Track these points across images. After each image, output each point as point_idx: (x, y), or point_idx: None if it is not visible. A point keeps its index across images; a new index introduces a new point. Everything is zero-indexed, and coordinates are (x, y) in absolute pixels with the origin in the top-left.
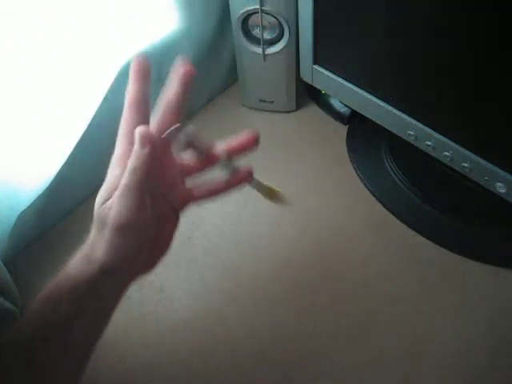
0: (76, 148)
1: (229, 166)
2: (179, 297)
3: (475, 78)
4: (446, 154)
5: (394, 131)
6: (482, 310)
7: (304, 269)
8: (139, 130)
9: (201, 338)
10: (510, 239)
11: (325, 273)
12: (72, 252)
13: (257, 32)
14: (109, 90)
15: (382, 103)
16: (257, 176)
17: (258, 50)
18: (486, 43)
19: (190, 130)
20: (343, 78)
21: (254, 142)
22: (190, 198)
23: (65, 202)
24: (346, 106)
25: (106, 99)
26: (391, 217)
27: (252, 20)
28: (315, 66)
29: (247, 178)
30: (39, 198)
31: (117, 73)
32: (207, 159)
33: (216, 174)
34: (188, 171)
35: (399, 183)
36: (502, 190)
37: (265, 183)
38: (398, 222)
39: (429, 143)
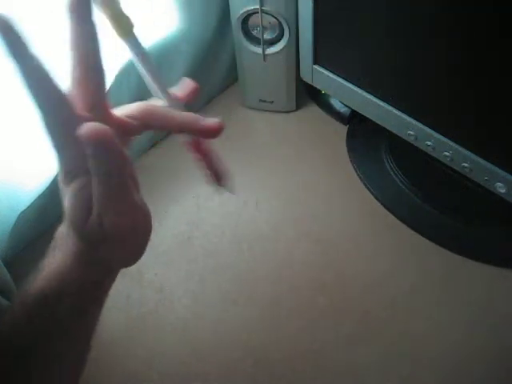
0: None
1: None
2: (179, 297)
3: (475, 78)
4: (446, 154)
5: (394, 131)
6: (482, 310)
7: (304, 269)
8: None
9: (201, 337)
10: (510, 239)
11: (325, 273)
12: None
13: (257, 32)
14: (109, 90)
15: (382, 103)
16: (257, 177)
17: (258, 50)
18: (486, 43)
19: None
20: (343, 78)
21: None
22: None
23: None
24: (346, 105)
25: None
26: (391, 217)
27: (252, 20)
28: (315, 66)
29: None
30: (39, 198)
31: (117, 73)
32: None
33: None
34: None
35: (399, 183)
36: (502, 190)
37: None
38: (397, 221)
39: (429, 143)
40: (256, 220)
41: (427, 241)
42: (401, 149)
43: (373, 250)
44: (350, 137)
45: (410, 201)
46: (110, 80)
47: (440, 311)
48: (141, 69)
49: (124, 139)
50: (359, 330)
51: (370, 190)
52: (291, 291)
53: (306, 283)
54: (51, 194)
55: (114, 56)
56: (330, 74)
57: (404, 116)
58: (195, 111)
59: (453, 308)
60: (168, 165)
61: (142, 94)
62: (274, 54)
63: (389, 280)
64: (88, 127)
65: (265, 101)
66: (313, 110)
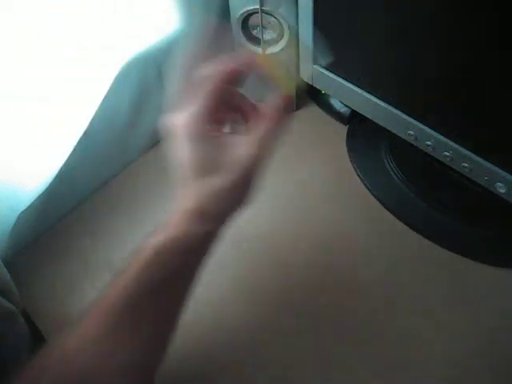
0: (76, 148)
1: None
2: None
3: (475, 77)
4: (446, 154)
5: (394, 131)
6: (482, 310)
7: (304, 269)
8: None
9: (200, 338)
10: (510, 239)
11: (324, 273)
12: (72, 252)
13: (257, 32)
14: (109, 90)
15: (382, 103)
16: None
17: (258, 50)
18: (486, 43)
19: None
20: (343, 78)
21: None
22: None
23: (65, 202)
24: (346, 105)
25: (106, 99)
26: (391, 217)
27: (252, 20)
28: (315, 66)
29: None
30: (39, 197)
31: (117, 73)
32: None
33: None
34: None
35: (399, 183)
36: (502, 190)
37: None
38: (397, 221)
39: (429, 143)
40: (256, 220)
41: (427, 240)
42: (401, 149)
43: (373, 250)
44: (350, 137)
45: (410, 201)
46: (109, 80)
47: (440, 311)
48: None
49: None
50: (359, 329)
51: (369, 190)
52: (291, 291)
53: (305, 283)
54: (51, 194)
55: (114, 56)
56: (330, 74)
57: (404, 116)
58: None
59: (453, 308)
60: (168, 165)
61: (143, 94)
62: (273, 54)
63: (388, 280)
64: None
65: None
66: (313, 110)
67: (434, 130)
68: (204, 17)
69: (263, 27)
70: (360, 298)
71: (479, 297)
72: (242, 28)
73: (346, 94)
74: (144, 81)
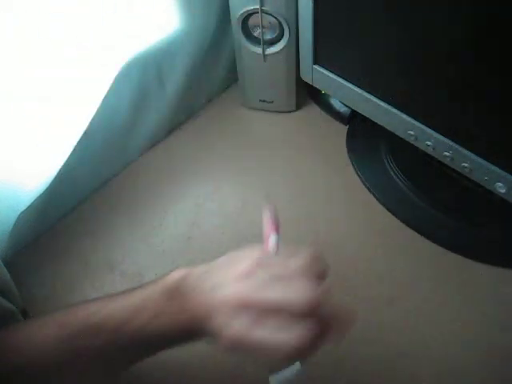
0: (76, 148)
1: None
2: None
3: (475, 77)
4: (446, 154)
5: (394, 131)
6: (482, 310)
7: None
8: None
9: None
10: (510, 239)
11: None
12: (72, 252)
13: (257, 32)
14: (109, 90)
15: (382, 103)
16: (257, 176)
17: (258, 49)
18: (486, 43)
19: None
20: (343, 78)
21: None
22: None
23: (65, 202)
24: (346, 105)
25: (106, 99)
26: (391, 216)
27: (252, 20)
28: (315, 66)
29: None
30: (39, 197)
31: (117, 73)
32: None
33: None
34: None
35: (399, 183)
36: (502, 190)
37: None
38: (397, 221)
39: (429, 143)
40: (256, 220)
41: (427, 240)
42: (401, 149)
43: (373, 250)
44: (350, 137)
45: (410, 201)
46: (110, 80)
47: (440, 311)
48: None
49: None
50: (359, 329)
51: (369, 190)
52: None
53: None
54: (51, 194)
55: (114, 56)
56: (330, 74)
57: (404, 116)
58: (195, 111)
59: (453, 308)
60: (168, 165)
61: (143, 94)
62: (273, 53)
63: (388, 280)
64: None
65: (265, 101)
66: (313, 110)
67: (434, 130)
68: (204, 17)
69: (263, 27)
70: (360, 298)
71: (479, 297)
72: (242, 28)
73: (346, 93)
74: (144, 81)
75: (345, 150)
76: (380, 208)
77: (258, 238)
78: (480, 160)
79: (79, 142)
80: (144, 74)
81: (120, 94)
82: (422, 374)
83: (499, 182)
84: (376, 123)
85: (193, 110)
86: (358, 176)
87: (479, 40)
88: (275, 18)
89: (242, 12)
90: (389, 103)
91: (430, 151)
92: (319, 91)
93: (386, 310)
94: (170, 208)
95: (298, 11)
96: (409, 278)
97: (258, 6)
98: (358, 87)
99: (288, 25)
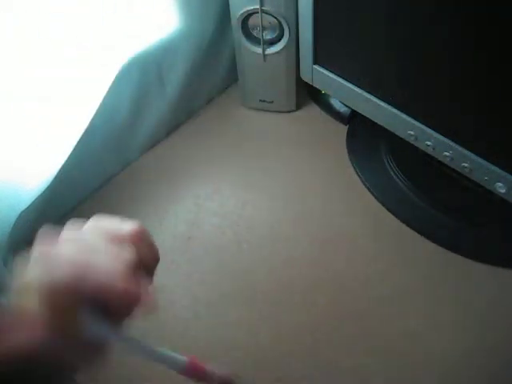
0: (76, 148)
1: None
2: (179, 297)
3: (475, 77)
4: (446, 154)
5: (394, 131)
6: (482, 310)
7: (303, 269)
8: None
9: (200, 337)
10: (510, 239)
11: (324, 273)
12: None
13: (257, 32)
14: (109, 90)
15: (382, 103)
16: (257, 176)
17: (258, 49)
18: (486, 43)
19: None
20: (343, 78)
21: None
22: None
23: (65, 202)
24: (346, 106)
25: (106, 99)
26: (391, 216)
27: (252, 20)
28: (315, 66)
29: None
30: (39, 197)
31: (117, 73)
32: None
33: None
34: None
35: (399, 183)
36: (502, 190)
37: None
38: (397, 221)
39: (429, 143)
40: (256, 220)
41: (427, 240)
42: (401, 149)
43: (373, 250)
44: (350, 137)
45: (410, 201)
46: (109, 80)
47: (440, 311)
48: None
49: None
50: (359, 329)
51: (369, 190)
52: (291, 291)
53: (305, 283)
54: (51, 193)
55: (114, 56)
56: (330, 74)
57: (404, 116)
58: (195, 111)
59: (453, 308)
60: (168, 165)
61: (143, 93)
62: (273, 53)
63: (388, 280)
64: None
65: (265, 101)
66: (313, 110)
67: (434, 130)
68: (204, 17)
69: (263, 27)
70: (360, 298)
71: (479, 297)
72: (242, 28)
73: (346, 93)
74: (144, 80)
75: (345, 150)
76: (380, 208)
77: (258, 238)
78: (480, 160)
79: (79, 142)
80: (144, 74)
81: (120, 94)
82: (421, 373)
83: (499, 182)
84: (376, 123)
85: (193, 109)
86: (358, 176)
87: (479, 40)
88: (275, 17)
89: (242, 12)
90: (389, 103)
91: (429, 151)
92: (319, 91)
93: (385, 310)
94: (170, 208)
95: (298, 11)
96: (409, 277)
97: (257, 6)
98: (358, 87)
99: (288, 25)
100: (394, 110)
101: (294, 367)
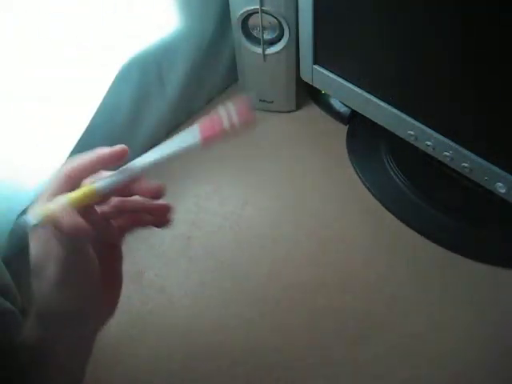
0: (76, 148)
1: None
2: (179, 297)
3: (475, 77)
4: (446, 154)
5: (394, 131)
6: (482, 310)
7: (303, 269)
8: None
9: (201, 337)
10: (510, 239)
11: (324, 273)
12: None
13: (257, 32)
14: (109, 90)
15: (382, 103)
16: (257, 176)
17: (258, 49)
18: (486, 43)
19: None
20: (343, 78)
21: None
22: (123, 231)
23: None
24: (346, 105)
25: (106, 99)
26: (391, 216)
27: (252, 20)
28: (315, 66)
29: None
30: None
31: (117, 73)
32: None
33: None
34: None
35: (399, 183)
36: (502, 190)
37: None
38: (397, 221)
39: (429, 143)
40: (256, 220)
41: (427, 240)
42: (401, 149)
43: (373, 250)
44: (350, 137)
45: (410, 201)
46: (109, 80)
47: (440, 311)
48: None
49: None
50: (359, 329)
51: (369, 190)
52: (291, 291)
53: (305, 283)
54: None
55: (114, 56)
56: (330, 74)
57: (404, 116)
58: (196, 111)
59: (453, 308)
60: (168, 165)
61: (143, 93)
62: (273, 53)
63: (388, 280)
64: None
65: (265, 101)
66: (313, 110)
67: (434, 130)
68: (204, 17)
69: (263, 27)
70: (360, 298)
71: (479, 297)
72: (242, 28)
73: (346, 93)
74: (144, 80)
75: (345, 150)
76: (380, 207)
77: (258, 238)
78: (480, 160)
79: (79, 142)
80: (144, 74)
81: (120, 94)
82: (421, 373)
83: (499, 182)
84: (376, 123)
85: (193, 110)
86: (358, 176)
87: (479, 40)
88: (275, 17)
89: (242, 12)
90: (389, 103)
91: (429, 151)
92: (319, 91)
93: (385, 310)
94: None
95: (298, 11)
96: (409, 278)
97: (257, 6)
98: (358, 87)
99: (288, 25)
100: (394, 110)
101: (294, 367)
